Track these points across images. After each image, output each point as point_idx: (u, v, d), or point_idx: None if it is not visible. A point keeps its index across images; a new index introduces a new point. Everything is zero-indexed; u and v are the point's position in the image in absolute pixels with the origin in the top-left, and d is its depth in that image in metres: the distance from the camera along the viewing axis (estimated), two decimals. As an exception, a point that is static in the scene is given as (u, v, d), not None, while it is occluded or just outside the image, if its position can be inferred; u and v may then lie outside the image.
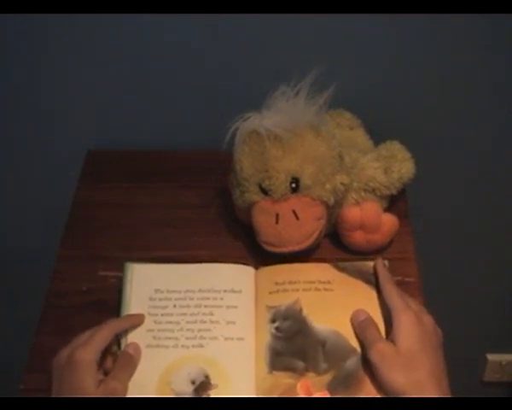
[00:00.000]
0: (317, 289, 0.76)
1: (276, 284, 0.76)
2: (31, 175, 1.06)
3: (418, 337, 0.67)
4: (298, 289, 0.75)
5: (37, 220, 1.12)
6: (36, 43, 0.91)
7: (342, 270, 0.77)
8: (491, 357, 1.37)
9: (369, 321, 0.71)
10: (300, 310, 0.74)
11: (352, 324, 0.72)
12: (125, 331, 0.72)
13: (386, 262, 0.77)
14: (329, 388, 0.68)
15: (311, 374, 0.69)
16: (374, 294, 0.74)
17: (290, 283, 0.76)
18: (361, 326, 0.71)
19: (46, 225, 1.08)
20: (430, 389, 0.64)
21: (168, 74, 0.94)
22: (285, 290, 0.76)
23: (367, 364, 0.68)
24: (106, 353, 0.69)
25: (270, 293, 0.76)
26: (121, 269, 0.79)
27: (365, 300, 0.74)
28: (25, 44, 0.91)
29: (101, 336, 0.68)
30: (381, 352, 0.66)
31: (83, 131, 1.01)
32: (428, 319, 0.69)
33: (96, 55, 0.93)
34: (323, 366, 0.70)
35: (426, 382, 0.64)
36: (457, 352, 0.95)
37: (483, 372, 1.40)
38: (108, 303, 0.79)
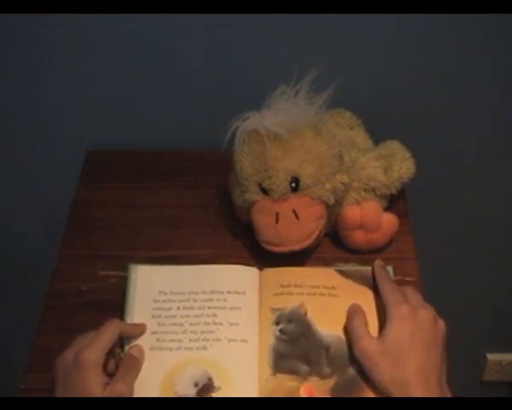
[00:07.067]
0: (322, 294, 0.75)
1: (282, 286, 0.76)
2: (31, 175, 1.06)
3: (408, 333, 0.66)
4: (303, 293, 0.75)
5: (37, 220, 1.12)
6: (36, 43, 0.91)
7: (347, 276, 0.77)
8: (491, 357, 1.37)
9: (358, 316, 0.70)
10: (305, 314, 0.73)
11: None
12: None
13: (391, 268, 0.77)
14: (332, 392, 0.68)
15: (314, 378, 0.69)
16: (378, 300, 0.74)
17: (295, 286, 0.76)
18: (348, 320, 0.71)
19: (46, 224, 1.08)
20: (414, 386, 0.63)
21: (168, 74, 0.94)
22: (290, 293, 0.75)
23: None
24: (108, 355, 0.68)
25: (275, 295, 0.75)
26: (121, 269, 0.79)
27: (370, 306, 0.73)
28: (25, 44, 0.91)
29: (106, 337, 0.67)
30: (364, 349, 0.66)
31: (83, 131, 1.01)
32: (425, 314, 0.67)
33: (96, 56, 0.92)
34: (327, 370, 0.69)
35: (410, 379, 0.63)
36: (457, 352, 0.94)
37: (483, 372, 1.40)
38: (108, 303, 0.79)
